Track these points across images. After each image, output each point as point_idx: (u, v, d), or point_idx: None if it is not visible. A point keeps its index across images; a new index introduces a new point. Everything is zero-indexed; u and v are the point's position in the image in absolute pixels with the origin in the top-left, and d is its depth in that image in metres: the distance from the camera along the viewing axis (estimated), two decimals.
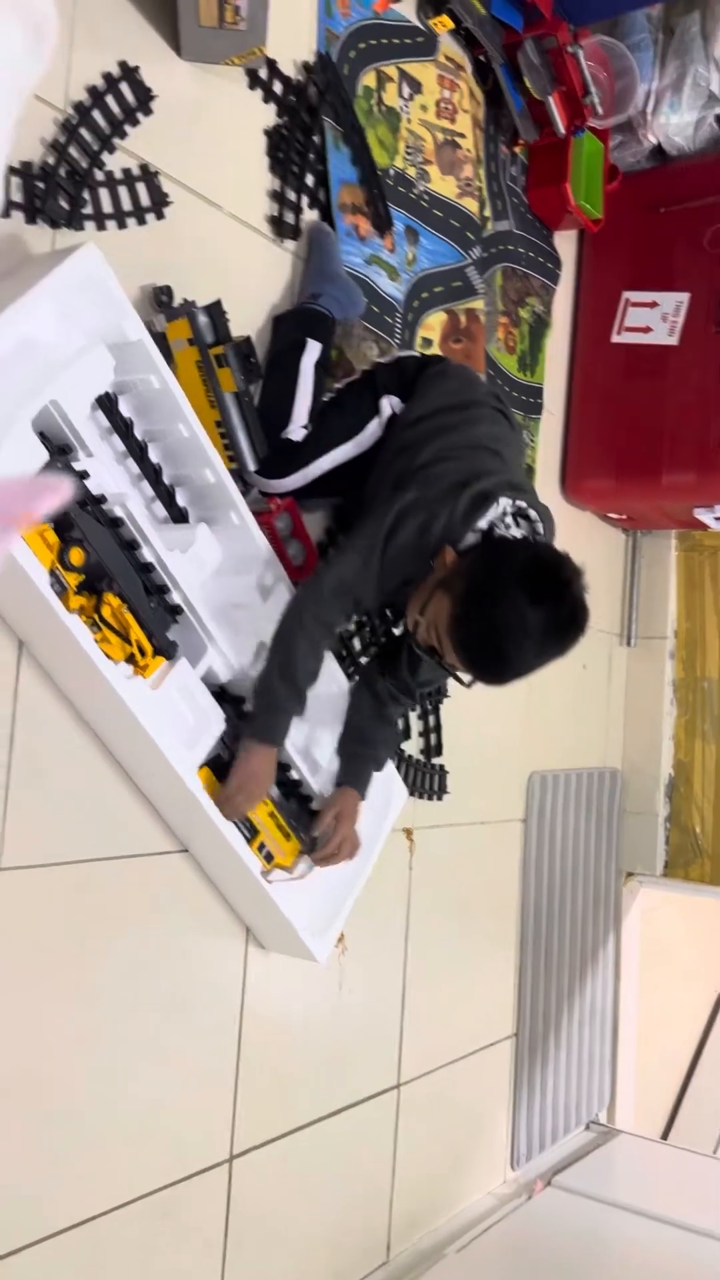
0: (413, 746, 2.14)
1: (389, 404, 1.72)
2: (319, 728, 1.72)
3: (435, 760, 2.20)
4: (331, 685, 1.69)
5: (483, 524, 1.53)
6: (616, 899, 2.95)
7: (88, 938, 1.45)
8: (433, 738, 2.19)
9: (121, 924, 1.50)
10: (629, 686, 3.03)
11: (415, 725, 2.15)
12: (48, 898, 1.40)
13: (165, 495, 1.50)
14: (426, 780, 2.17)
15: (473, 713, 2.29)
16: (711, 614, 3.01)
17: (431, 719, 2.19)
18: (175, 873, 1.58)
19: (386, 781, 1.83)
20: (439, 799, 2.20)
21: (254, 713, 1.53)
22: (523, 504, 1.58)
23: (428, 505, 1.52)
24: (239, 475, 1.61)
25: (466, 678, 1.53)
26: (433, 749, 2.19)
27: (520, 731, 2.55)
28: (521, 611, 1.42)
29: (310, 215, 1.86)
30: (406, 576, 1.55)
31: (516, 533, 1.57)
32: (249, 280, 1.74)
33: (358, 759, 1.72)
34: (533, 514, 1.59)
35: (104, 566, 1.34)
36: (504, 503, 1.55)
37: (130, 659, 1.37)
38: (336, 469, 1.71)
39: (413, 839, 2.12)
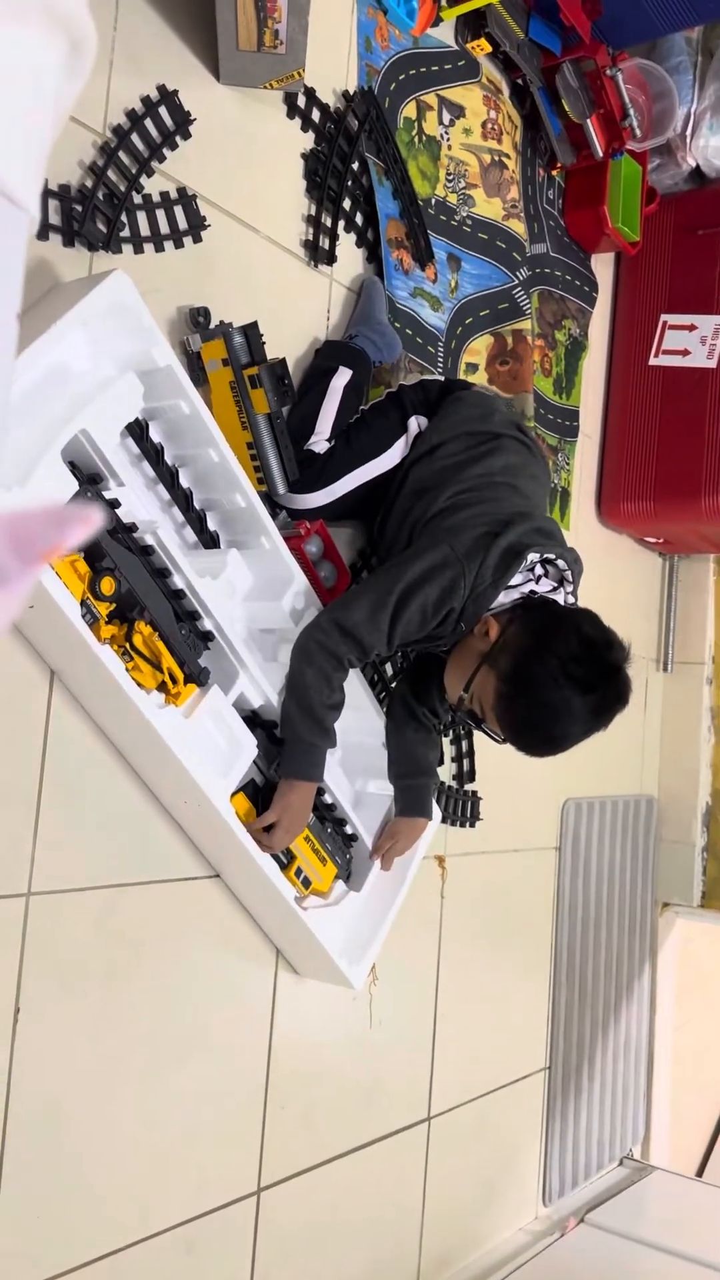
0: (445, 773, 2.11)
1: (416, 423, 1.72)
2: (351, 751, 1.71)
3: (468, 786, 2.17)
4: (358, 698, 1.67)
5: (515, 581, 1.53)
6: (652, 930, 2.89)
7: (117, 963, 1.44)
8: (465, 763, 2.16)
9: (151, 950, 1.48)
10: (665, 713, 2.98)
11: (448, 751, 2.12)
12: (77, 922, 1.38)
13: (196, 521, 1.49)
14: (459, 806, 2.14)
15: None
16: None
17: (464, 744, 2.16)
18: (207, 898, 1.56)
19: None
20: (471, 826, 2.17)
21: (285, 750, 1.52)
22: (551, 555, 1.57)
23: (456, 562, 1.51)
24: (268, 497, 1.60)
25: (499, 736, 1.56)
26: (465, 775, 2.16)
27: (554, 757, 2.51)
28: (572, 698, 1.44)
29: (346, 239, 1.86)
30: (429, 634, 1.55)
31: (548, 586, 1.57)
32: (285, 304, 1.74)
33: (421, 788, 1.73)
34: (561, 564, 1.58)
35: (135, 595, 1.33)
36: (532, 557, 1.55)
37: (162, 687, 1.36)
38: (362, 487, 1.70)
39: (444, 866, 2.09)
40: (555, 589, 1.58)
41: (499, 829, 2.26)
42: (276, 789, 1.50)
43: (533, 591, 1.55)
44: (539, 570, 1.57)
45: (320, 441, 1.68)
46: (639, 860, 2.83)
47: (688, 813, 2.93)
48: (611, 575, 2.77)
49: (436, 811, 1.85)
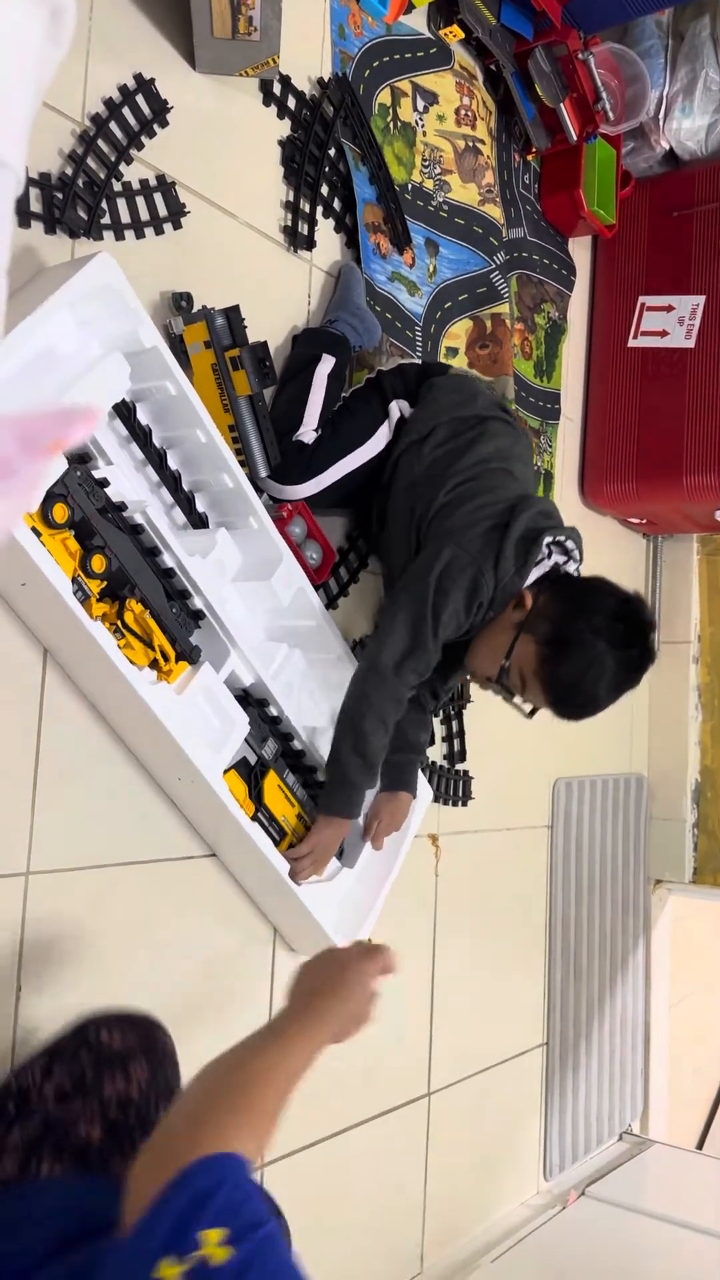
0: (436, 752, 2.14)
1: (398, 407, 1.77)
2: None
3: (459, 766, 2.19)
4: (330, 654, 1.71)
5: (538, 569, 1.61)
6: (645, 906, 2.92)
7: (114, 941, 1.45)
8: (456, 743, 2.19)
9: (149, 929, 1.50)
10: (653, 692, 3.01)
11: (439, 731, 2.14)
12: (74, 902, 1.40)
13: (185, 502, 1.50)
14: (451, 786, 2.16)
15: (496, 718, 2.28)
16: None
17: (454, 724, 2.18)
18: (203, 876, 1.58)
19: None
20: (463, 805, 2.19)
21: (328, 787, 1.58)
22: (560, 537, 1.65)
23: (471, 561, 1.58)
24: (252, 479, 1.62)
25: (527, 708, 1.65)
26: (456, 755, 2.19)
27: (545, 737, 2.53)
28: (611, 657, 1.53)
29: (325, 224, 1.88)
30: (465, 630, 1.62)
31: (561, 559, 1.65)
32: (265, 288, 1.76)
33: (407, 764, 1.77)
34: (569, 544, 1.66)
35: (126, 573, 1.35)
36: (545, 540, 1.62)
37: (154, 664, 1.38)
38: (350, 475, 1.73)
39: (438, 845, 2.12)
40: (567, 563, 1.67)
41: (491, 808, 2.28)
42: (315, 822, 1.57)
43: (556, 565, 1.63)
44: (551, 550, 1.64)
45: (308, 432, 1.70)
46: (630, 838, 2.85)
47: (677, 790, 2.95)
48: (596, 557, 2.78)
49: (426, 790, 1.87)
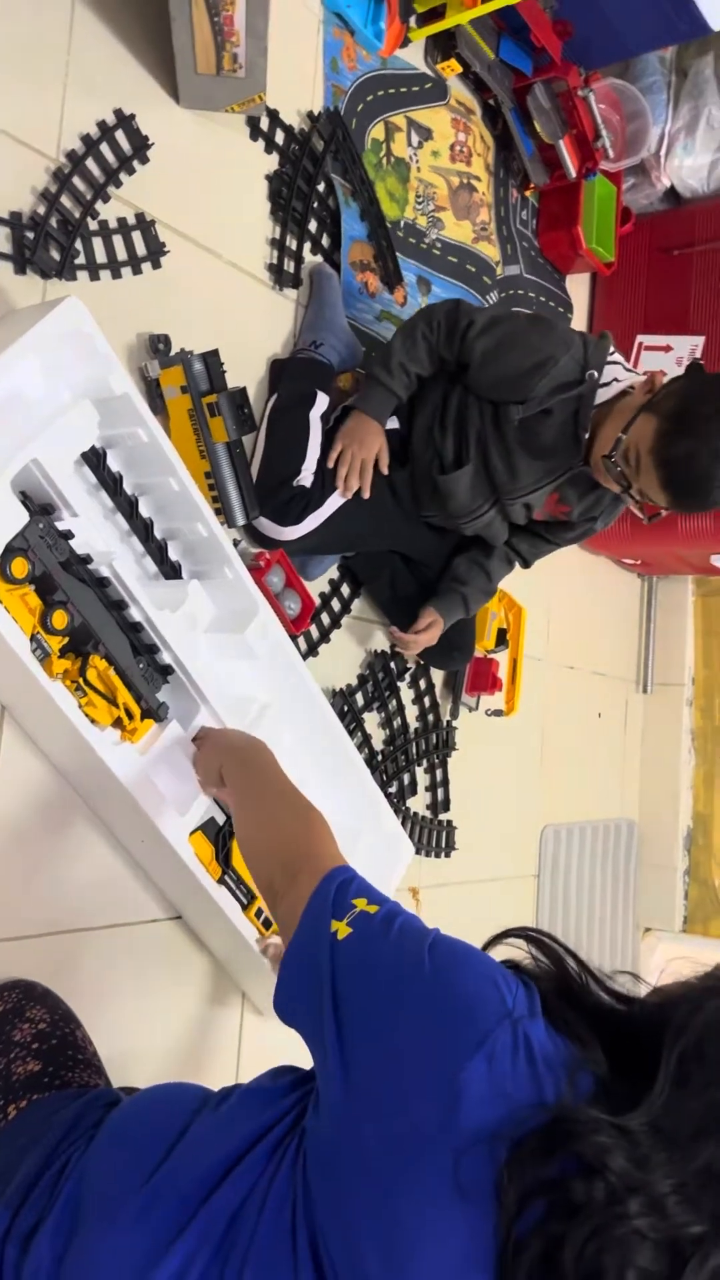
0: (419, 803, 2.08)
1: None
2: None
3: (442, 816, 2.13)
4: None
5: (619, 359, 1.65)
6: (634, 955, 2.85)
7: (79, 1010, 1.39)
8: (440, 793, 2.13)
9: (114, 995, 1.44)
10: (646, 735, 2.95)
11: (421, 780, 2.08)
12: (38, 970, 1.33)
13: (156, 551, 1.45)
14: (433, 837, 2.10)
15: (482, 765, 2.22)
16: None
17: (438, 773, 2.12)
18: (167, 940, 1.52)
19: (392, 839, 1.77)
20: (447, 856, 2.13)
21: (361, 390, 1.73)
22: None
23: (564, 343, 1.61)
24: (249, 528, 1.58)
25: (646, 512, 1.63)
26: (440, 804, 2.12)
27: (533, 783, 2.48)
28: None
29: (312, 261, 1.83)
30: (523, 386, 1.61)
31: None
32: (248, 328, 1.71)
33: (451, 592, 1.87)
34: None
35: (89, 628, 1.29)
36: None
37: (118, 723, 1.32)
38: (342, 507, 1.69)
39: (419, 899, 2.05)
40: None
41: (476, 859, 2.22)
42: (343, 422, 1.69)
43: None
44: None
45: (308, 475, 1.66)
46: (620, 885, 2.79)
47: (669, 836, 2.89)
48: (591, 596, 2.74)
49: (407, 844, 1.80)
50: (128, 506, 1.41)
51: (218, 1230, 0.76)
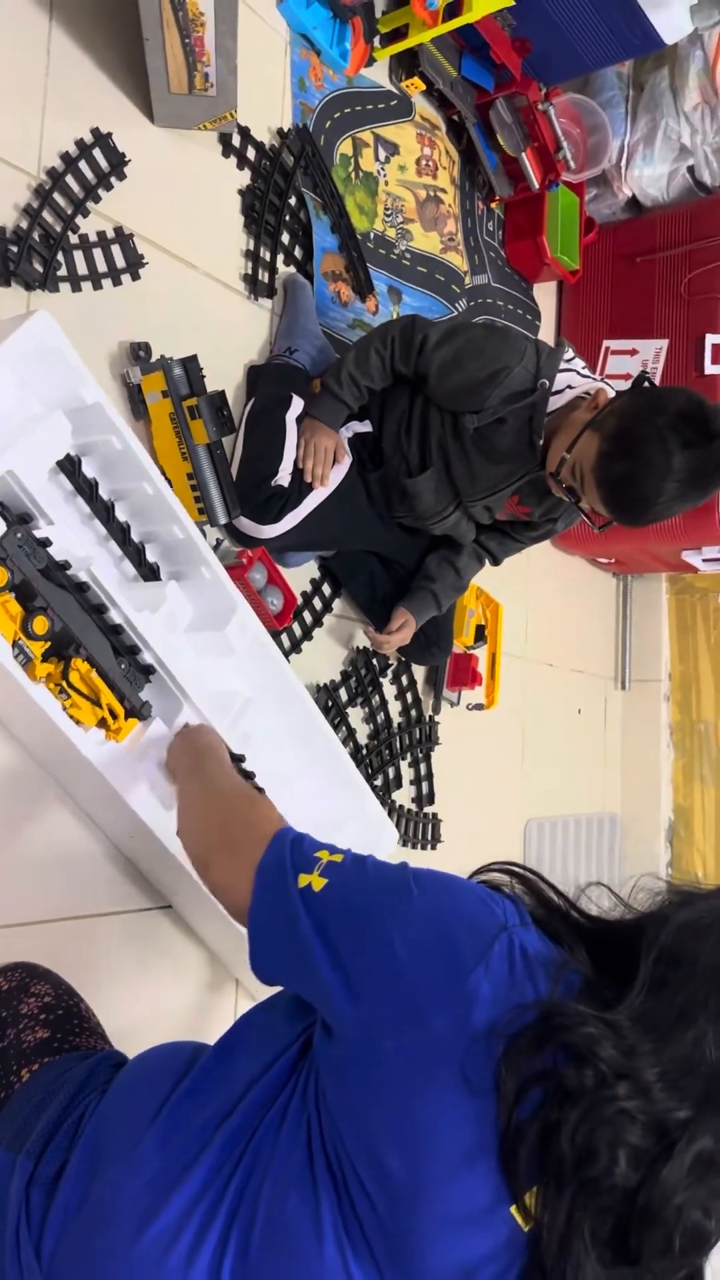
0: (404, 796, 2.13)
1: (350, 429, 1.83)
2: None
3: (428, 809, 2.18)
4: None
5: (577, 366, 1.68)
6: None
7: None
8: (424, 786, 2.18)
9: (107, 983, 1.48)
10: (625, 731, 3.01)
11: (406, 774, 2.13)
12: (31, 957, 1.38)
13: (135, 554, 1.49)
14: (419, 830, 2.15)
15: (465, 760, 2.27)
16: (705, 656, 3.00)
17: (423, 767, 2.18)
18: (158, 928, 1.56)
19: (375, 826, 1.81)
20: (432, 849, 2.18)
21: (316, 398, 1.77)
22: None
23: (518, 353, 1.65)
24: (212, 524, 1.62)
25: (593, 524, 1.66)
26: (425, 798, 2.18)
27: (516, 778, 2.53)
28: (669, 452, 1.47)
29: (286, 271, 1.89)
30: (479, 396, 1.66)
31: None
32: (225, 337, 1.77)
33: (422, 591, 1.93)
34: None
35: (70, 633, 1.33)
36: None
37: (102, 723, 1.36)
38: (320, 507, 1.74)
39: None
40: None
41: (461, 852, 2.26)
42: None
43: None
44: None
45: (284, 475, 1.71)
46: (603, 878, 2.83)
47: (651, 829, 2.95)
48: (567, 596, 2.80)
49: (391, 833, 1.85)
50: (104, 512, 1.45)
51: (236, 1151, 0.81)
